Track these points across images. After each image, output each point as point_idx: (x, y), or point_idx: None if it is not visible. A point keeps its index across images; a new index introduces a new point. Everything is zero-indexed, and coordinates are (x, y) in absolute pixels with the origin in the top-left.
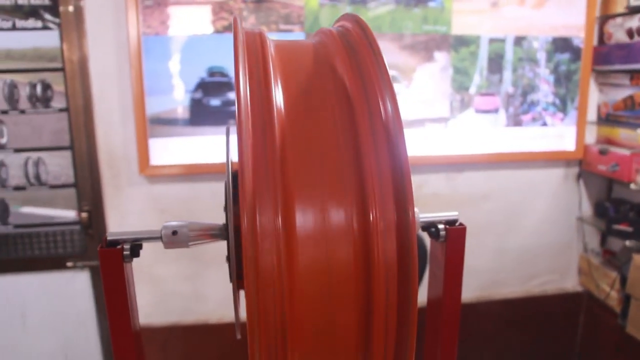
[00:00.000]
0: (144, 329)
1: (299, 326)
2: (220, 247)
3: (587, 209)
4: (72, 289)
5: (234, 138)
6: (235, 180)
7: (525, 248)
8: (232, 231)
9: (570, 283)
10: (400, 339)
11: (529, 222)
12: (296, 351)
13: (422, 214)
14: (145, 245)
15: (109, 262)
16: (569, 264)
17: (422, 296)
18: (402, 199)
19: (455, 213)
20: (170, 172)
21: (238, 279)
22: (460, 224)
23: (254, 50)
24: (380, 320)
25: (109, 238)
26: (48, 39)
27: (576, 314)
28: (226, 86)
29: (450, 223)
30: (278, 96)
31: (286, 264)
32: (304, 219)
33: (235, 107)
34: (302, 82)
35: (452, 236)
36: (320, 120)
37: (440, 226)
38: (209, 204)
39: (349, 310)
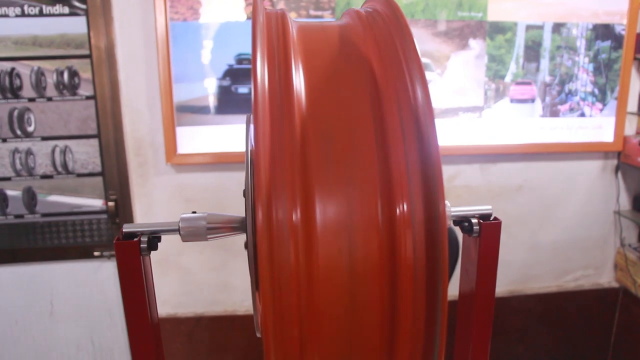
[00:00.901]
0: (170, 319)
1: (318, 327)
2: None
3: (625, 203)
4: (99, 278)
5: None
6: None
7: (560, 242)
8: (251, 225)
9: (606, 278)
10: (428, 342)
11: (565, 216)
12: (315, 353)
13: (455, 207)
14: (170, 235)
15: (125, 255)
16: (605, 259)
17: (453, 289)
18: (432, 191)
19: (489, 207)
20: (197, 161)
21: (257, 274)
22: (495, 218)
23: (274, 32)
24: (406, 320)
25: (125, 230)
26: (75, 26)
27: (611, 310)
28: None
29: (484, 217)
30: (298, 82)
31: (304, 260)
32: (325, 212)
33: (252, 94)
34: (325, 66)
35: (486, 231)
36: (344, 107)
37: (474, 220)
38: (235, 194)
39: (372, 309)
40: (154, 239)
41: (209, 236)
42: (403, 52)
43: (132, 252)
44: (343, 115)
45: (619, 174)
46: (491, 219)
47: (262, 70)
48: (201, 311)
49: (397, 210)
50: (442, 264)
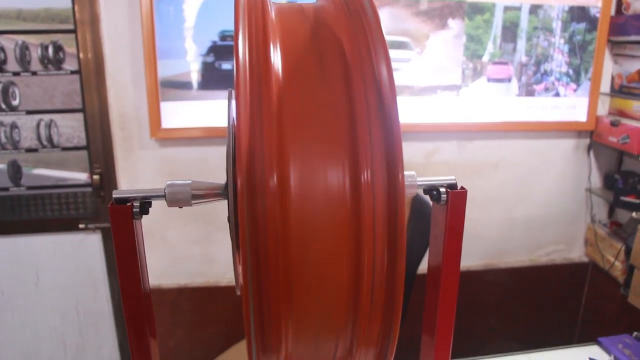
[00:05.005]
0: (154, 290)
1: (291, 277)
2: None
3: (596, 181)
4: (84, 250)
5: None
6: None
7: (533, 218)
8: (232, 190)
9: (577, 253)
10: (388, 294)
11: (538, 192)
12: (290, 302)
13: (422, 177)
14: (156, 209)
15: (119, 219)
16: (576, 234)
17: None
18: (393, 161)
19: (453, 177)
20: (181, 136)
21: (237, 237)
22: (462, 188)
23: (254, 14)
24: (369, 267)
25: (115, 196)
26: (59, 0)
27: (581, 283)
28: None
29: (451, 187)
30: (276, 60)
31: (280, 220)
32: (298, 178)
33: (234, 70)
34: (301, 46)
35: (454, 199)
36: (316, 83)
37: (442, 189)
38: (219, 168)
39: (338, 261)
40: (145, 204)
41: (193, 202)
42: (370, 32)
43: (125, 216)
44: (316, 91)
45: (591, 153)
46: (458, 188)
47: (243, 50)
48: (184, 282)
49: (362, 178)
50: (400, 225)
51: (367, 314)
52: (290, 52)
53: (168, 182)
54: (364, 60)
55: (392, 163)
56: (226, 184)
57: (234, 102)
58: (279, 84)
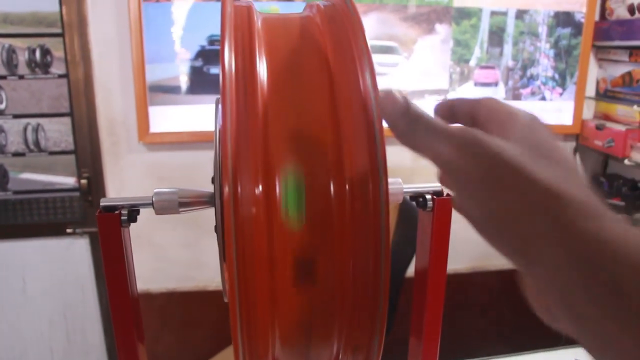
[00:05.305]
0: (142, 295)
1: (278, 289)
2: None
3: None
4: (72, 255)
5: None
6: None
7: None
8: (219, 199)
9: None
10: (374, 299)
11: None
12: (276, 310)
13: (407, 184)
14: (144, 214)
15: (107, 227)
16: None
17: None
18: (376, 167)
19: (439, 185)
20: (170, 140)
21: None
22: (448, 194)
23: (240, 24)
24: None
25: (103, 204)
26: (47, 3)
27: None
28: None
29: (437, 194)
30: (262, 69)
31: (266, 229)
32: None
33: (220, 79)
34: (287, 56)
35: (439, 206)
36: (302, 92)
37: (428, 196)
38: (207, 172)
39: (334, 265)
40: (133, 212)
41: (180, 209)
42: (355, 44)
43: (113, 224)
44: (301, 99)
45: (577, 156)
46: (444, 195)
47: (229, 58)
48: (173, 287)
49: (346, 186)
50: (385, 230)
51: (354, 319)
52: (276, 60)
53: (155, 190)
54: (349, 71)
55: (376, 171)
56: (213, 193)
57: (220, 111)
58: (264, 93)
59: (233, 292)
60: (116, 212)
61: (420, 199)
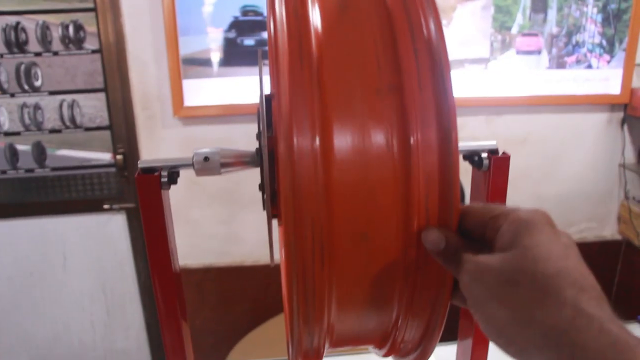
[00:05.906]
0: (181, 270)
1: (337, 245)
2: (255, 191)
3: (630, 156)
4: (109, 231)
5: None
6: (268, 103)
7: (564, 195)
8: (267, 155)
9: (609, 231)
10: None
11: (569, 168)
12: (334, 268)
13: (461, 142)
14: (182, 189)
15: (147, 189)
16: (609, 211)
17: None
18: (445, 121)
19: (494, 142)
20: (204, 114)
21: (272, 205)
22: (504, 153)
23: None
24: (418, 240)
25: (141, 166)
26: None
27: (614, 262)
28: (260, 25)
29: (492, 152)
30: (315, 14)
31: (323, 184)
32: (341, 140)
33: (271, 27)
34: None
35: (497, 165)
36: (359, 39)
37: (484, 155)
38: (243, 146)
39: (387, 229)
40: (173, 173)
41: (222, 170)
42: None
43: (153, 186)
44: (358, 47)
45: (625, 127)
46: (500, 154)
47: (279, 5)
48: (210, 262)
49: (412, 139)
50: (455, 186)
51: (417, 281)
52: (330, 6)
53: (196, 150)
54: (410, 13)
55: (445, 122)
56: (257, 151)
57: (265, 62)
58: (319, 41)
59: (289, 246)
60: (156, 173)
61: (476, 158)
